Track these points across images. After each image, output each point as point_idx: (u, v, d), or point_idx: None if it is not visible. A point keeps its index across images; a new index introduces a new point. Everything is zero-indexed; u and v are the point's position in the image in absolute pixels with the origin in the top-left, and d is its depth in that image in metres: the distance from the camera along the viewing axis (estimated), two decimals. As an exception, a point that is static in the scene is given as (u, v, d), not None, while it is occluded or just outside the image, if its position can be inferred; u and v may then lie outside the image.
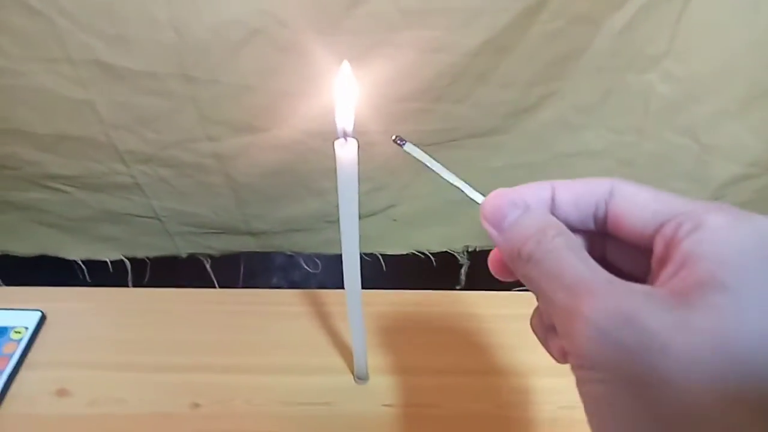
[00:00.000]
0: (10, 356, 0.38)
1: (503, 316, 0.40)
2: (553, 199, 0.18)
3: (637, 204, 0.16)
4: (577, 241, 0.16)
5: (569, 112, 0.45)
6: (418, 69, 0.39)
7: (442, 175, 0.19)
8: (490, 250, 0.19)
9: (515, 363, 0.37)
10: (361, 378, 0.37)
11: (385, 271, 0.56)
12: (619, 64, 0.42)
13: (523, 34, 0.39)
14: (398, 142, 0.21)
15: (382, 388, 0.37)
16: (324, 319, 0.42)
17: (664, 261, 0.15)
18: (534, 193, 0.18)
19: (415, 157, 0.20)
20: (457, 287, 0.59)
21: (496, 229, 0.17)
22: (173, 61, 0.38)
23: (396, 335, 0.40)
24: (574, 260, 0.15)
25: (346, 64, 0.22)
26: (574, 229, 0.17)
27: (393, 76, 0.39)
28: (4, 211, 0.52)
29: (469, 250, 0.57)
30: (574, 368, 0.15)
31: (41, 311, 0.41)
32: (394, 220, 0.52)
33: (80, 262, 0.58)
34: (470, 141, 0.45)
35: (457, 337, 0.40)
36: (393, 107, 0.41)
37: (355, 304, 0.31)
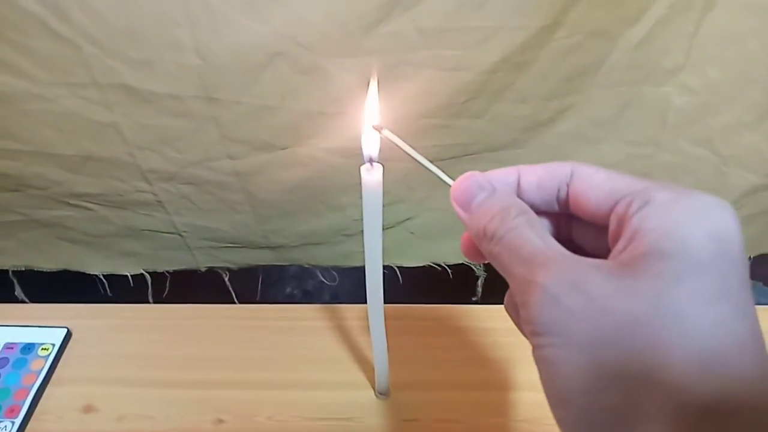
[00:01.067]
0: (38, 372, 0.39)
1: (523, 330, 0.40)
2: (518, 183, 0.19)
3: (593, 184, 0.17)
4: (538, 220, 0.17)
5: (586, 126, 0.45)
6: (437, 86, 0.40)
7: (418, 159, 0.21)
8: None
9: (535, 377, 0.37)
10: (382, 393, 0.37)
11: (402, 283, 0.56)
12: (636, 77, 0.42)
13: (540, 50, 0.39)
14: (377, 129, 0.22)
15: (404, 403, 0.37)
16: (344, 334, 0.42)
17: (617, 238, 0.16)
18: (500, 177, 0.19)
19: (393, 142, 0.21)
20: (474, 299, 0.59)
21: (464, 209, 0.18)
22: (196, 84, 0.39)
23: (416, 350, 0.40)
24: (533, 236, 0.16)
25: (373, 88, 0.23)
26: (539, 212, 0.18)
27: (412, 94, 0.39)
28: (29, 228, 0.53)
29: (486, 261, 0.57)
30: (530, 336, 0.16)
31: (67, 328, 0.42)
32: (411, 232, 0.53)
33: (102, 277, 0.59)
34: (488, 155, 0.46)
35: (478, 351, 0.40)
36: (412, 123, 0.41)
37: (378, 320, 0.31)
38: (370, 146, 0.23)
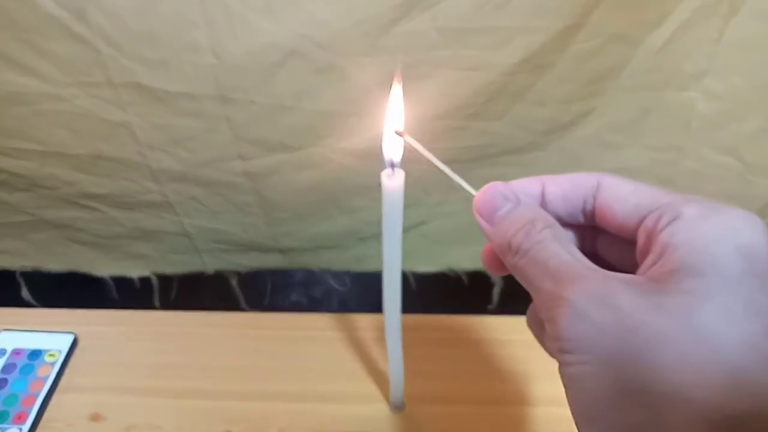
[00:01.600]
0: (45, 379, 0.38)
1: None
2: (543, 194, 0.18)
3: (619, 197, 0.17)
4: (564, 233, 0.17)
5: (607, 130, 0.44)
6: (456, 87, 0.39)
7: (441, 167, 0.20)
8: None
9: (555, 392, 0.36)
10: (396, 407, 0.36)
11: (415, 290, 0.55)
12: (658, 82, 0.42)
13: (561, 52, 0.39)
14: (399, 134, 0.21)
15: (418, 418, 0.36)
16: (357, 345, 0.41)
17: (645, 253, 0.15)
18: (525, 188, 0.18)
19: (415, 148, 0.21)
20: (489, 306, 0.58)
21: (488, 221, 0.18)
22: (210, 83, 0.39)
23: (432, 362, 0.39)
24: (560, 250, 0.16)
25: (397, 90, 0.22)
26: (564, 224, 0.18)
27: (431, 94, 0.39)
28: (39, 229, 0.53)
29: (507, 274, 0.56)
30: (557, 353, 0.15)
31: (74, 334, 0.41)
32: (426, 237, 0.52)
33: (109, 279, 0.58)
34: (506, 158, 0.45)
35: (496, 364, 0.39)
36: (430, 124, 0.41)
37: (395, 332, 0.31)
38: (392, 151, 0.22)
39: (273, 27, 0.36)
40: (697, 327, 0.13)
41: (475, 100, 0.40)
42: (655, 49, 0.40)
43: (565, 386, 0.15)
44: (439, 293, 0.57)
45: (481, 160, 0.45)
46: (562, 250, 0.16)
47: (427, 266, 0.56)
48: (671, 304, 0.13)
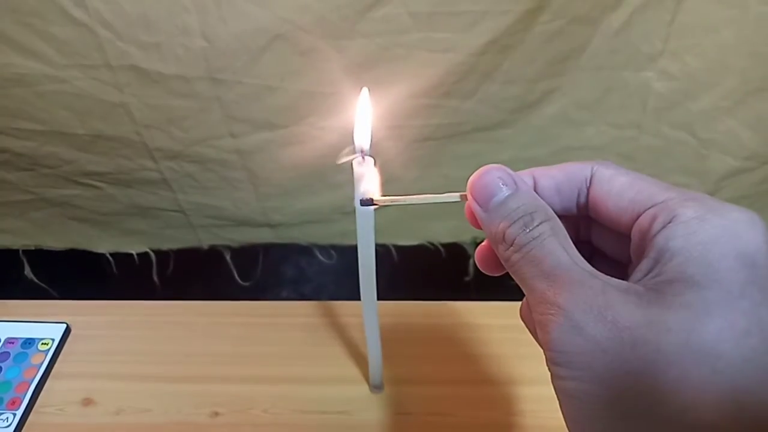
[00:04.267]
0: (38, 366, 0.39)
1: (516, 326, 0.37)
2: (535, 188, 0.18)
3: (613, 192, 0.16)
4: (563, 229, 0.16)
5: (571, 108, 0.47)
6: (428, 68, 0.42)
7: (417, 202, 0.19)
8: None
9: (529, 372, 0.37)
10: (376, 387, 0.38)
11: (396, 261, 0.58)
12: (617, 62, 0.44)
13: (526, 34, 0.42)
14: (366, 202, 0.21)
15: (397, 397, 0.38)
16: (339, 330, 0.42)
17: (640, 253, 0.15)
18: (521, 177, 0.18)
19: (388, 203, 0.20)
20: (466, 278, 0.61)
21: (483, 207, 0.17)
22: (201, 66, 0.42)
23: (409, 345, 0.41)
24: (557, 249, 0.15)
25: (365, 90, 0.23)
26: (557, 215, 0.17)
27: (404, 75, 0.42)
28: (40, 207, 0.56)
29: (477, 241, 0.60)
30: (548, 362, 0.15)
31: (66, 323, 0.42)
32: (405, 211, 0.55)
33: (108, 255, 0.61)
34: (477, 135, 0.48)
35: (471, 346, 0.40)
36: (404, 103, 0.44)
37: (372, 316, 0.32)
38: (362, 139, 0.23)
39: (259, 12, 0.39)
40: (698, 346, 0.12)
41: (446, 79, 0.43)
42: (613, 30, 0.43)
43: (558, 400, 0.14)
44: (419, 265, 0.59)
45: (454, 137, 0.47)
46: (560, 249, 0.15)
47: (407, 239, 0.59)
48: (670, 320, 0.13)
